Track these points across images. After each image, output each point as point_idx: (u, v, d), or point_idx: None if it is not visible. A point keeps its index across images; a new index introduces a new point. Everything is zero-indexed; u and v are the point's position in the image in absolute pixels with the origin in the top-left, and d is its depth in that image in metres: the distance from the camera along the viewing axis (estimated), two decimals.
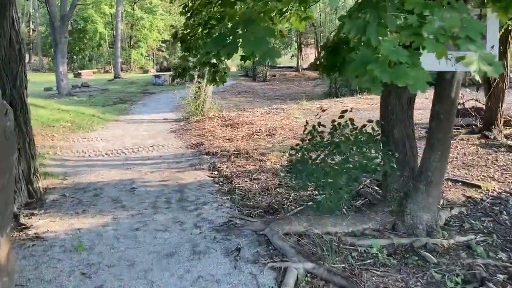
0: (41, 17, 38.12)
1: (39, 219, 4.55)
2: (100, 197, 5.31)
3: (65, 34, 18.34)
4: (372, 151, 3.77)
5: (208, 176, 6.18)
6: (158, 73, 28.92)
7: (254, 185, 5.53)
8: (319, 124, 4.31)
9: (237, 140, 8.22)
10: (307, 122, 4.68)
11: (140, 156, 7.51)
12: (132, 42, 39.46)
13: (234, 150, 7.22)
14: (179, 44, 6.66)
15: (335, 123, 4.23)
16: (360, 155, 3.73)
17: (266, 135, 8.45)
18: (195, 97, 12.42)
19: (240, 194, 5.21)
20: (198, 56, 5.54)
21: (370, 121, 4.22)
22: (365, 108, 12.24)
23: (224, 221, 4.30)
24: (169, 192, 5.44)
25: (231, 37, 2.37)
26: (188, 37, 5.18)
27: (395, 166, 3.65)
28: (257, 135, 8.50)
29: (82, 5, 31.38)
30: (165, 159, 7.26)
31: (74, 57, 38.61)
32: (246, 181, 5.73)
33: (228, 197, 5.18)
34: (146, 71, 37.43)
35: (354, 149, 3.82)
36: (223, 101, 14.34)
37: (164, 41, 42.51)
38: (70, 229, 4.27)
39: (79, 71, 31.35)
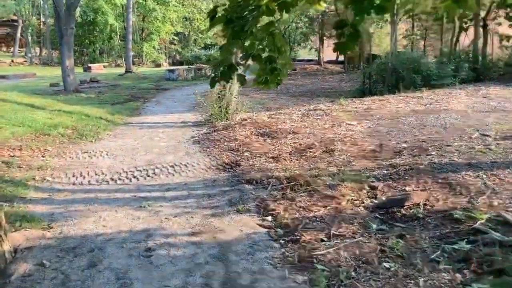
0: (50, 8, 36.37)
1: None
2: (98, 271, 3.33)
3: (71, 25, 16.48)
4: None
5: (259, 225, 4.15)
6: (172, 68, 27.02)
7: (340, 250, 3.48)
8: None
9: (284, 159, 6.17)
10: None
11: (157, 183, 5.52)
12: (144, 35, 37.59)
13: (287, 178, 5.18)
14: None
15: None
16: None
17: (323, 151, 6.37)
18: (219, 97, 10.44)
19: (325, 271, 3.18)
20: (248, 45, 3.57)
21: None
22: (424, 111, 10.07)
23: None
24: (205, 261, 3.44)
25: None
26: (244, 14, 3.15)
27: None
28: (310, 151, 6.43)
29: None
30: (192, 189, 5.26)
31: (84, 50, 36.93)
32: (323, 240, 3.70)
33: (305, 277, 3.15)
34: (158, 65, 35.64)
35: None
36: (244, 98, 12.24)
37: (177, 34, 40.63)
38: None
39: (89, 65, 29.63)
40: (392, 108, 10.84)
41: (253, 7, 3.01)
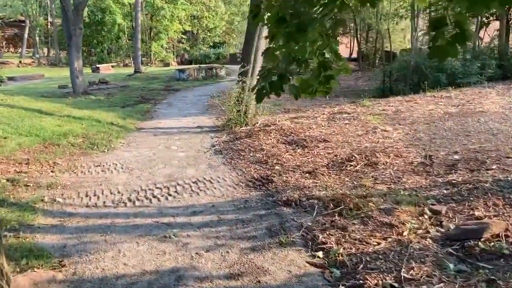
0: (57, 8, 35.91)
1: None
2: None
3: (80, 25, 15.92)
4: None
5: (309, 263, 3.48)
6: (182, 67, 26.36)
7: None
8: None
9: (322, 174, 5.48)
10: None
11: (181, 205, 4.86)
12: (152, 34, 37.00)
13: (332, 200, 4.49)
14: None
15: None
16: None
17: (365, 164, 5.67)
18: (237, 100, 9.77)
19: None
20: (298, 49, 2.91)
21: None
22: (459, 113, 9.30)
23: None
24: None
25: None
26: (304, 11, 2.46)
27: None
28: (350, 164, 5.73)
29: None
30: (222, 212, 4.60)
31: (92, 50, 36.49)
32: (393, 286, 3.01)
33: None
34: (167, 64, 35.10)
35: None
36: None
37: (185, 32, 40.03)
38: None
39: (97, 66, 29.14)
40: (424, 110, 10.09)
41: (325, 0, 2.32)
